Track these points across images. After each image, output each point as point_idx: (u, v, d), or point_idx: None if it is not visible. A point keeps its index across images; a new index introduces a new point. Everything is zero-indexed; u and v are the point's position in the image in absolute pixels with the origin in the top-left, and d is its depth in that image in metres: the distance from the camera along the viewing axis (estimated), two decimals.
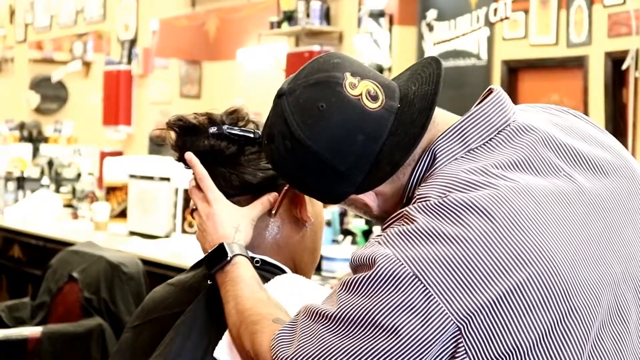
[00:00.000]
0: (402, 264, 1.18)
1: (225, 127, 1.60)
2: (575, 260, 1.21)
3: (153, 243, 4.73)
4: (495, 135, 1.28)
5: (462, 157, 1.27)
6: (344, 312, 1.22)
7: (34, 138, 8.42)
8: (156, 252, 4.46)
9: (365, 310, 1.19)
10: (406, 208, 1.24)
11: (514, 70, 5.71)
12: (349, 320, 1.21)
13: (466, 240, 1.18)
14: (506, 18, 5.40)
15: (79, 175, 6.69)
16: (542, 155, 1.28)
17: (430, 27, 6.07)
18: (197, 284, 1.61)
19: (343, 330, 1.22)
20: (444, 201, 1.21)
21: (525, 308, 1.17)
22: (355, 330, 1.20)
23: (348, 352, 1.20)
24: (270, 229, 1.59)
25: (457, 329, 1.17)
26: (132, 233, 5.05)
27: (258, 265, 1.54)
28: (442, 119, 1.32)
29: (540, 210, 1.22)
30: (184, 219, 4.84)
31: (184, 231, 4.85)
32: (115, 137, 8.53)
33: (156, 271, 4.16)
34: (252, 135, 1.61)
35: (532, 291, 1.17)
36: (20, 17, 10.55)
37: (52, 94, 10.15)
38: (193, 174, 1.53)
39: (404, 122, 1.29)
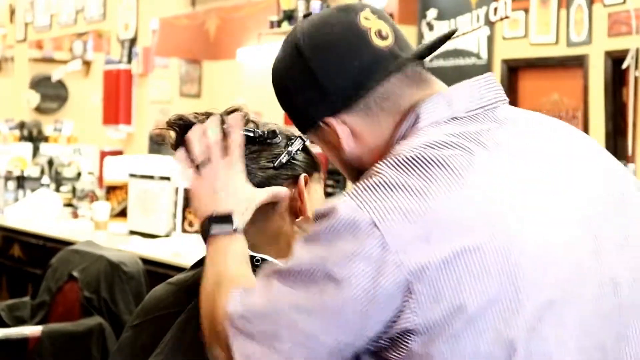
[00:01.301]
0: (363, 212, 1.17)
1: (225, 126, 1.60)
2: (541, 240, 1.19)
3: (153, 242, 4.73)
4: (483, 110, 1.29)
5: (445, 122, 1.27)
6: (299, 263, 1.21)
7: (34, 137, 8.42)
8: (156, 252, 4.46)
9: (320, 260, 1.18)
10: (376, 163, 1.24)
11: (514, 70, 5.71)
12: (303, 270, 1.20)
13: (429, 194, 1.17)
14: (506, 17, 5.40)
15: (79, 174, 6.69)
16: (525, 136, 1.29)
17: (431, 27, 6.07)
18: (197, 283, 1.61)
19: (296, 280, 1.21)
20: (413, 156, 1.21)
21: (477, 270, 1.15)
22: (307, 279, 1.19)
23: (298, 303, 1.19)
24: (269, 225, 1.59)
25: (407, 282, 1.15)
26: (132, 232, 5.05)
27: (258, 264, 1.54)
28: (439, 87, 1.34)
29: (510, 177, 1.21)
30: (184, 218, 4.85)
31: (184, 230, 4.85)
32: (115, 136, 8.52)
33: (156, 270, 4.16)
34: (252, 135, 1.61)
35: (487, 254, 1.15)
36: (20, 17, 10.55)
37: (52, 93, 10.15)
38: (226, 133, 1.50)
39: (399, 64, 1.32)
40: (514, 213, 1.18)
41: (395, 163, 1.21)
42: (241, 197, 1.47)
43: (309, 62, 1.32)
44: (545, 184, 1.24)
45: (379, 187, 1.19)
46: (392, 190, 1.18)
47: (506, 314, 1.15)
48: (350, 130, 1.33)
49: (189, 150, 1.50)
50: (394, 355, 1.19)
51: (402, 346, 1.17)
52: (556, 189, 1.24)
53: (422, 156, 1.20)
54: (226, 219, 1.45)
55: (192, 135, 1.50)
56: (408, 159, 1.21)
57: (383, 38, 1.32)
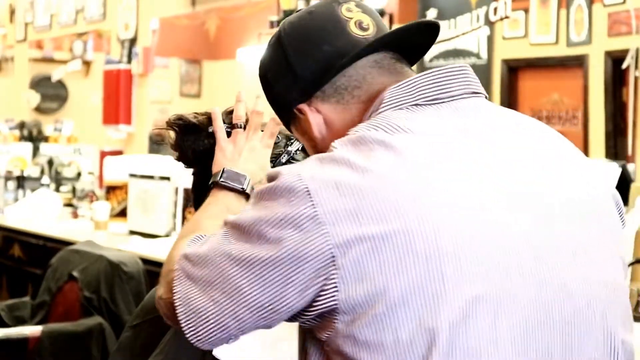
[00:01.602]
0: (301, 179, 1.19)
1: (224, 125, 1.60)
2: (474, 229, 1.17)
3: (153, 242, 4.73)
4: (448, 101, 1.29)
5: (407, 108, 1.27)
6: (239, 219, 1.24)
7: (34, 137, 8.42)
8: (156, 252, 4.46)
9: (257, 218, 1.21)
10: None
11: (514, 70, 5.71)
12: (241, 227, 1.23)
13: (368, 173, 1.18)
14: (506, 17, 5.40)
15: (79, 174, 6.69)
16: (487, 127, 1.28)
17: None
18: None
19: (235, 232, 1.24)
20: (361, 135, 1.22)
21: (403, 255, 1.15)
22: (243, 234, 1.22)
23: (232, 254, 1.22)
24: None
25: (332, 255, 1.16)
26: (132, 232, 5.05)
27: None
28: (410, 74, 1.35)
29: (454, 166, 1.20)
30: (184, 218, 4.85)
31: None
32: (115, 136, 8.53)
33: (156, 270, 4.15)
34: None
35: (415, 240, 1.15)
36: (21, 16, 10.55)
37: (52, 93, 10.15)
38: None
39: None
40: (451, 202, 1.18)
41: (346, 141, 1.23)
42: (261, 168, 1.53)
43: (285, 48, 1.36)
44: (493, 180, 1.22)
45: (324, 160, 1.21)
46: (334, 164, 1.20)
47: (430, 303, 1.14)
48: (324, 118, 1.35)
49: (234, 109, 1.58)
50: (324, 335, 1.20)
51: (330, 325, 1.19)
52: (505, 188, 1.22)
53: (370, 136, 1.22)
54: (239, 177, 1.50)
55: (241, 98, 1.59)
56: (357, 137, 1.22)
57: (363, 29, 1.34)
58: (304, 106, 1.36)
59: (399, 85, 1.29)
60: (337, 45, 1.33)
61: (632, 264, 2.93)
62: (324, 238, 1.16)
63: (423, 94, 1.28)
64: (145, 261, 4.03)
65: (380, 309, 1.15)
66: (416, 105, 1.27)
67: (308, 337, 1.26)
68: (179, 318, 1.26)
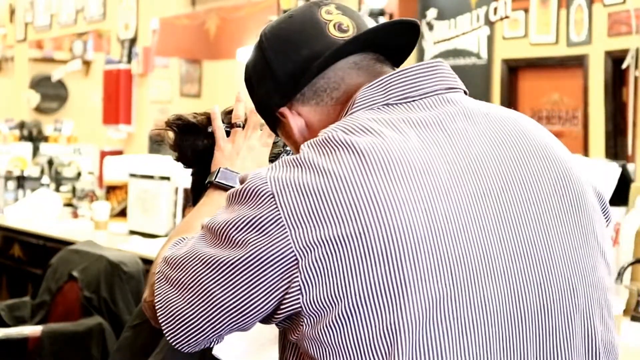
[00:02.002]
0: (266, 182, 1.20)
1: (223, 125, 1.61)
2: (435, 231, 1.16)
3: (153, 242, 4.73)
4: (419, 99, 1.28)
5: (378, 108, 1.27)
6: (212, 222, 1.25)
7: (34, 137, 8.42)
8: (156, 251, 4.46)
9: (226, 222, 1.22)
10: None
11: (514, 70, 5.71)
12: (212, 230, 1.25)
13: (331, 174, 1.18)
14: (506, 17, 5.40)
15: (79, 174, 6.69)
16: (456, 123, 1.26)
17: (430, 26, 6.07)
18: None
19: (207, 235, 1.26)
20: (327, 137, 1.22)
21: (364, 257, 1.15)
22: (215, 239, 1.24)
23: (204, 257, 1.24)
24: None
25: (295, 259, 1.17)
26: (132, 232, 5.05)
27: None
28: (376, 78, 1.33)
29: (416, 168, 1.19)
30: (183, 218, 4.84)
31: None
32: (115, 136, 8.53)
33: None
34: None
35: (375, 241, 1.15)
36: (20, 16, 10.55)
37: (52, 93, 10.15)
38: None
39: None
40: (411, 202, 1.17)
41: (312, 143, 1.23)
42: (259, 167, 1.52)
43: (266, 52, 1.36)
44: (461, 178, 1.21)
45: (291, 162, 1.21)
46: (299, 167, 1.20)
47: (390, 305, 1.14)
48: (305, 121, 1.36)
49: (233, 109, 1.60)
50: (294, 337, 1.21)
51: (298, 327, 1.20)
52: (474, 186, 1.21)
53: (335, 138, 1.21)
54: (235, 177, 1.53)
55: (241, 98, 1.61)
56: (323, 139, 1.22)
57: (342, 31, 1.34)
58: (285, 110, 1.36)
59: (371, 85, 1.29)
60: (316, 48, 1.32)
61: (632, 263, 2.93)
62: (286, 241, 1.17)
63: (393, 93, 1.28)
64: (145, 261, 4.03)
65: (342, 311, 1.15)
66: (387, 105, 1.27)
67: (284, 338, 1.27)
68: (160, 320, 1.28)
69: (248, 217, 1.20)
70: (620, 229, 3.11)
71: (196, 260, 1.25)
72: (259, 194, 1.20)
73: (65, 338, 3.61)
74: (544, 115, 5.50)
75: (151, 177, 5.02)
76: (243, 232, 1.20)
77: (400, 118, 1.24)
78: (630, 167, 3.40)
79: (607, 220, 1.38)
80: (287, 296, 1.18)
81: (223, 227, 1.22)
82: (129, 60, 8.48)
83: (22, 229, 5.53)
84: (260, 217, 1.19)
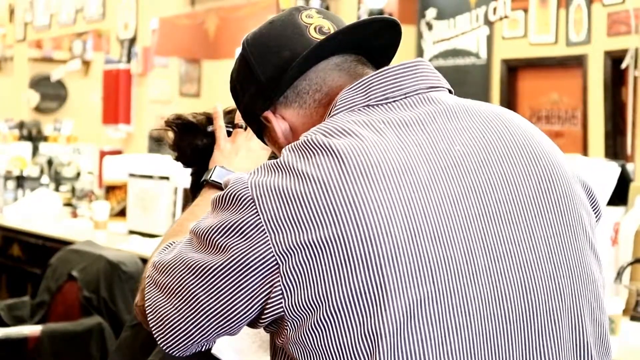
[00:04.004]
0: (247, 187, 1.20)
1: (224, 125, 1.61)
2: (415, 233, 1.16)
3: (153, 242, 4.73)
4: (400, 99, 1.27)
5: (359, 109, 1.27)
6: (198, 227, 1.26)
7: (33, 137, 8.41)
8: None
9: (210, 226, 1.23)
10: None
11: (514, 69, 5.71)
12: (198, 235, 1.25)
13: (310, 178, 1.18)
14: (505, 17, 5.40)
15: (78, 174, 6.69)
16: (437, 122, 1.25)
17: (430, 26, 6.07)
18: None
19: (192, 240, 1.27)
20: (305, 140, 1.22)
21: (343, 261, 1.15)
22: (200, 244, 1.25)
23: (189, 262, 1.25)
24: None
25: (275, 263, 1.17)
26: (132, 232, 5.05)
27: None
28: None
29: (395, 170, 1.18)
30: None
31: None
32: (114, 135, 8.52)
33: None
34: None
35: (354, 245, 1.15)
36: (20, 16, 10.54)
37: (51, 93, 10.15)
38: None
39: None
40: (390, 205, 1.16)
41: (292, 146, 1.24)
42: None
43: (248, 58, 1.38)
44: (441, 178, 1.20)
45: (272, 166, 1.22)
46: (279, 171, 1.21)
47: (371, 308, 1.14)
48: (289, 124, 1.36)
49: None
50: (280, 341, 1.22)
51: (282, 331, 1.20)
52: (455, 186, 1.20)
53: (314, 141, 1.21)
54: (230, 175, 1.51)
55: None
56: (302, 142, 1.23)
57: (323, 33, 1.34)
58: (269, 114, 1.36)
59: (351, 87, 1.29)
60: (297, 50, 1.33)
61: (631, 263, 2.93)
62: (266, 246, 1.18)
63: (374, 93, 1.27)
64: (145, 261, 4.03)
65: (324, 314, 1.15)
66: (368, 106, 1.27)
67: (274, 342, 1.27)
68: (150, 325, 1.29)
69: (230, 222, 1.20)
70: (620, 228, 3.11)
71: (182, 266, 1.25)
72: (241, 198, 1.20)
73: (64, 338, 3.61)
74: (544, 115, 5.50)
75: (150, 177, 5.02)
76: (225, 237, 1.21)
77: (381, 119, 1.24)
78: (629, 166, 3.40)
79: (597, 214, 1.36)
80: (269, 300, 1.19)
81: (207, 232, 1.23)
82: (129, 60, 8.48)
83: (21, 228, 5.53)
84: (241, 222, 1.19)
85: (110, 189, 5.52)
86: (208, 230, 1.23)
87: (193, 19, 7.91)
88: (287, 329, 1.19)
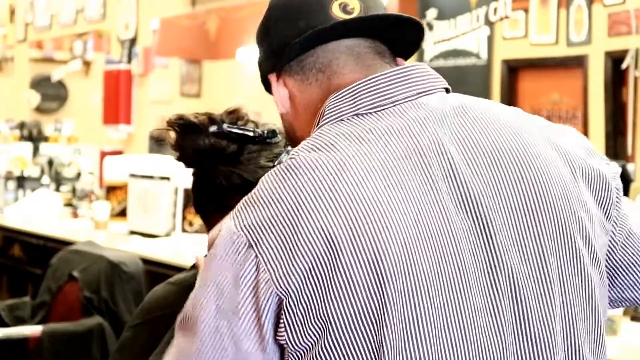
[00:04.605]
0: (240, 234, 1.16)
1: (225, 125, 1.61)
2: (409, 249, 1.14)
3: (153, 242, 4.74)
4: (390, 107, 1.24)
5: (347, 119, 1.23)
6: (188, 311, 1.21)
7: (34, 137, 8.42)
8: (156, 252, 4.46)
9: (212, 296, 1.18)
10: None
11: (514, 70, 5.71)
12: (192, 319, 1.20)
13: (297, 206, 1.15)
14: (506, 17, 5.40)
15: (79, 174, 6.69)
16: (426, 128, 1.22)
17: (430, 26, 6.07)
18: None
19: (189, 329, 1.21)
20: (289, 164, 1.19)
21: (342, 283, 1.12)
22: (199, 325, 1.19)
23: (185, 352, 1.21)
24: None
25: (279, 299, 1.14)
26: (133, 232, 5.05)
27: None
28: (380, 69, 1.29)
29: (384, 184, 1.16)
30: (184, 218, 4.85)
31: (184, 230, 4.85)
32: (115, 136, 8.52)
33: (156, 270, 4.16)
34: (251, 134, 1.62)
35: (352, 267, 1.12)
36: (21, 17, 10.54)
37: (52, 93, 10.15)
38: None
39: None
40: (385, 222, 1.14)
41: (274, 172, 1.20)
42: None
43: (269, 17, 1.37)
44: (434, 192, 1.17)
45: (256, 202, 1.18)
46: (265, 203, 1.17)
47: (375, 326, 1.12)
48: (290, 93, 1.33)
49: None
50: None
51: None
52: (447, 198, 1.18)
53: (297, 163, 1.18)
54: None
55: None
56: (285, 166, 1.19)
57: (346, 12, 1.30)
58: (272, 77, 1.35)
59: (339, 95, 1.25)
60: (312, 24, 1.29)
61: None
62: (269, 286, 1.14)
63: (362, 103, 1.24)
64: (146, 261, 4.04)
65: (327, 341, 1.13)
66: (357, 115, 1.23)
67: None
68: None
69: (233, 280, 1.16)
70: None
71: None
72: (236, 248, 1.16)
73: (65, 338, 3.61)
74: (544, 116, 5.49)
75: (151, 177, 5.02)
76: (233, 299, 1.16)
77: (369, 129, 1.21)
78: (630, 167, 3.40)
79: (605, 191, 1.31)
80: (277, 336, 1.16)
81: (209, 307, 1.18)
82: (129, 61, 8.48)
83: (22, 229, 5.53)
84: (244, 274, 1.15)
85: (110, 189, 5.53)
86: (211, 303, 1.18)
87: (194, 19, 7.91)
88: (289, 358, 1.16)
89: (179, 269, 3.65)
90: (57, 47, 10.06)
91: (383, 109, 1.24)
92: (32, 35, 10.41)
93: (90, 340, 3.59)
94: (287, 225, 1.14)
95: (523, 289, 1.19)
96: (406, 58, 1.37)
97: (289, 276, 1.13)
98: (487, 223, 1.19)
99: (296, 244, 1.13)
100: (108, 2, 8.96)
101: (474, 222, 1.18)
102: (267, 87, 1.39)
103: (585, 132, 5.20)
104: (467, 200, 1.19)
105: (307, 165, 1.17)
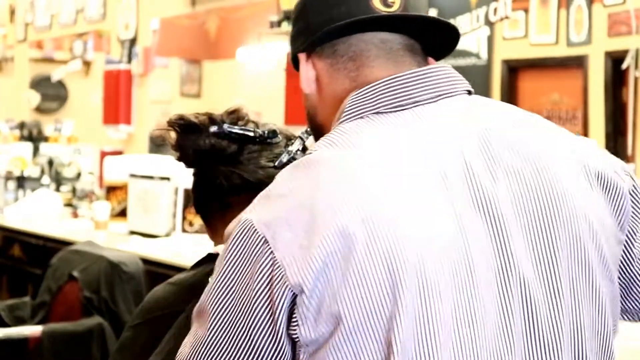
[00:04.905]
0: (255, 228, 1.17)
1: (225, 126, 1.61)
2: (424, 248, 1.14)
3: (153, 242, 4.74)
4: (412, 107, 1.24)
5: (367, 117, 1.24)
6: (204, 302, 1.22)
7: (34, 137, 8.42)
8: (156, 252, 4.47)
9: (226, 288, 1.19)
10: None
11: (514, 70, 5.71)
12: (207, 310, 1.21)
13: (313, 200, 1.15)
14: (506, 17, 5.40)
15: (79, 174, 6.69)
16: (445, 132, 1.22)
17: None
18: (199, 282, 1.61)
19: (203, 321, 1.22)
20: (308, 157, 1.21)
21: (355, 279, 1.12)
22: (217, 315, 1.20)
23: (213, 339, 1.21)
24: None
25: (292, 294, 1.14)
26: (133, 232, 5.05)
27: None
28: (408, 68, 1.30)
29: (400, 181, 1.17)
30: (184, 218, 4.85)
31: (184, 230, 4.85)
32: (115, 136, 8.52)
33: (156, 270, 4.17)
34: (252, 134, 1.62)
35: (366, 262, 1.12)
36: (21, 17, 10.54)
37: (52, 93, 10.15)
38: None
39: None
40: (399, 218, 1.14)
41: (292, 167, 1.22)
42: None
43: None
44: (452, 197, 1.18)
45: (272, 196, 1.19)
46: (282, 198, 1.18)
47: (386, 324, 1.13)
48: (317, 76, 1.33)
49: None
50: None
51: (297, 356, 1.18)
52: (463, 204, 1.18)
53: (316, 159, 1.20)
54: None
55: None
56: (304, 162, 1.21)
57: (387, 5, 1.30)
58: (302, 56, 1.34)
59: (360, 93, 1.26)
60: (353, 11, 1.29)
61: None
62: (283, 281, 1.14)
63: (383, 102, 1.25)
64: (146, 261, 4.04)
65: (338, 336, 1.13)
66: (377, 113, 1.24)
67: None
68: None
69: (249, 274, 1.17)
70: None
71: (208, 349, 1.21)
72: (252, 244, 1.17)
73: (65, 338, 3.61)
74: (544, 116, 5.46)
75: (151, 177, 5.02)
76: (247, 294, 1.17)
77: (388, 128, 1.22)
78: (630, 167, 3.40)
79: (620, 202, 1.30)
80: (290, 331, 1.17)
81: (224, 299, 1.20)
82: (129, 61, 8.48)
83: (22, 229, 5.53)
84: (260, 269, 1.16)
85: (110, 190, 5.53)
86: (225, 294, 1.20)
87: (194, 19, 7.91)
88: (300, 353, 1.17)
89: (179, 269, 3.65)
90: (57, 47, 10.06)
91: (403, 109, 1.24)
92: (32, 35, 10.41)
93: (90, 340, 3.59)
94: (303, 220, 1.15)
95: (533, 295, 1.19)
96: (437, 60, 1.36)
97: (304, 271, 1.13)
98: (501, 227, 1.19)
99: (312, 240, 1.13)
100: (108, 2, 8.96)
101: (489, 225, 1.19)
102: (296, 65, 1.39)
103: (585, 133, 5.20)
104: (483, 204, 1.19)
105: (326, 162, 1.18)
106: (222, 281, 1.20)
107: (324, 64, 1.32)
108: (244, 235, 1.18)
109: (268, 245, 1.16)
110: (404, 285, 1.13)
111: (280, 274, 1.14)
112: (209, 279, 1.25)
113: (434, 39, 1.34)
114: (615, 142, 5.01)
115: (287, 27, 6.47)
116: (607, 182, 1.30)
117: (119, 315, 3.66)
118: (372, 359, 1.13)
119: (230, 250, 1.20)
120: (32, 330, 3.64)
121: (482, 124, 1.25)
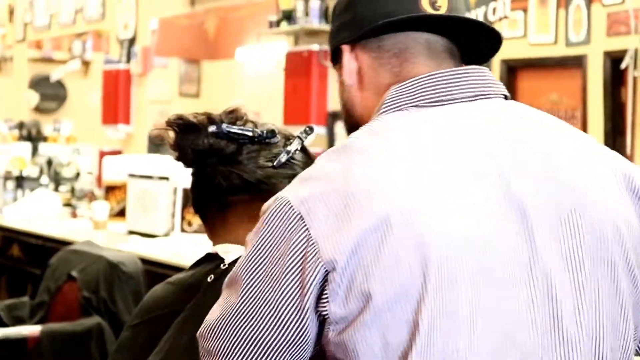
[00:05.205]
0: (292, 204, 1.20)
1: (224, 125, 1.61)
2: (453, 239, 1.17)
3: (152, 242, 4.74)
4: (450, 103, 1.28)
5: (407, 109, 1.28)
6: (243, 267, 1.24)
7: (33, 137, 8.41)
8: (155, 251, 4.46)
9: (258, 259, 1.22)
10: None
11: (513, 69, 5.71)
12: (245, 276, 1.23)
13: (348, 182, 1.18)
14: (505, 17, 5.40)
15: (78, 174, 6.69)
16: (479, 128, 1.26)
17: None
18: (197, 282, 1.61)
19: (237, 286, 1.24)
20: (349, 143, 1.24)
21: (386, 260, 1.15)
22: (247, 284, 1.22)
23: (242, 307, 1.23)
24: None
25: (325, 271, 1.17)
26: (131, 232, 5.05)
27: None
28: (433, 66, 1.33)
29: (436, 171, 1.20)
30: (183, 218, 4.85)
31: (183, 230, 4.85)
32: (114, 136, 8.52)
33: (155, 270, 4.17)
34: (250, 134, 1.62)
35: (397, 244, 1.15)
36: (20, 16, 10.54)
37: (51, 93, 10.14)
38: None
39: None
40: (431, 206, 1.18)
41: (332, 151, 1.25)
42: None
43: None
44: (482, 191, 1.21)
45: (311, 177, 1.22)
46: (321, 179, 1.21)
47: (413, 307, 1.15)
48: (359, 68, 1.36)
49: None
50: (317, 345, 1.22)
51: (323, 334, 1.20)
52: (495, 199, 1.21)
53: (357, 145, 1.23)
54: None
55: None
56: (345, 146, 1.24)
57: (434, 8, 1.33)
58: (346, 47, 1.36)
59: (402, 86, 1.29)
60: (402, 9, 1.32)
61: None
62: (316, 257, 1.17)
63: (422, 96, 1.28)
64: (145, 261, 4.04)
65: (367, 315, 1.16)
66: (416, 106, 1.28)
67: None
68: None
69: (282, 248, 1.20)
70: None
71: (236, 318, 1.23)
72: (288, 220, 1.20)
73: (64, 338, 3.61)
74: None
75: (150, 177, 5.02)
76: (279, 266, 1.20)
77: (426, 120, 1.25)
78: None
79: None
80: (319, 308, 1.19)
81: (255, 269, 1.22)
82: (128, 60, 8.48)
83: (21, 229, 5.53)
84: (294, 244, 1.19)
85: (109, 189, 5.53)
86: (257, 265, 1.22)
87: (193, 19, 7.91)
88: (328, 331, 1.19)
89: (178, 269, 3.65)
90: (56, 47, 10.05)
91: (441, 105, 1.28)
92: (31, 35, 10.40)
93: (89, 340, 3.59)
94: (339, 201, 1.17)
95: (559, 291, 1.21)
96: (475, 62, 1.39)
97: (337, 249, 1.16)
98: (530, 222, 1.22)
99: (347, 219, 1.16)
100: (107, 2, 8.95)
101: (518, 219, 1.21)
102: (333, 57, 1.41)
103: (584, 132, 5.20)
104: (513, 199, 1.22)
105: (367, 148, 1.22)
106: (256, 253, 1.22)
107: (368, 57, 1.35)
108: (280, 210, 1.21)
109: (303, 222, 1.19)
110: (434, 271, 1.15)
111: (314, 250, 1.17)
112: (243, 249, 1.27)
113: (475, 44, 1.38)
114: (614, 142, 5.01)
115: (286, 27, 6.47)
116: (636, 186, 1.33)
117: (118, 315, 3.66)
118: (397, 338, 1.15)
119: (265, 224, 1.22)
120: (31, 330, 3.64)
121: (515, 122, 1.31)
